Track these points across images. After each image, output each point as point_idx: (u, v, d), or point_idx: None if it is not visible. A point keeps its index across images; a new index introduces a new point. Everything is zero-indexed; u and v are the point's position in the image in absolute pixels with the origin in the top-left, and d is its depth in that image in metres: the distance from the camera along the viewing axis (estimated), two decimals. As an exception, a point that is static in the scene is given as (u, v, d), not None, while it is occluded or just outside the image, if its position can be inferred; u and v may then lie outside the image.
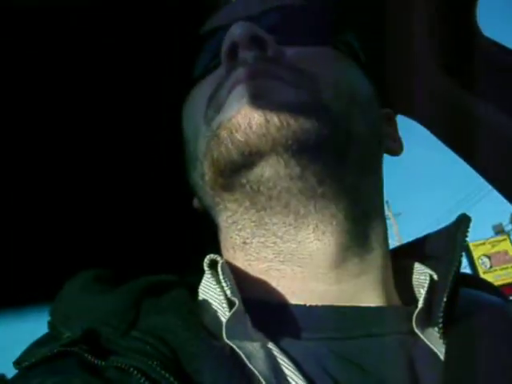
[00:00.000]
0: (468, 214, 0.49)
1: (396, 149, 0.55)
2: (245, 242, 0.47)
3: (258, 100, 0.43)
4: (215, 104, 0.46)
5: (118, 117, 0.75)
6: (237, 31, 0.46)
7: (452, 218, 0.50)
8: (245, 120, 0.42)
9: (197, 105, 0.49)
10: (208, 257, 0.44)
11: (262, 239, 0.46)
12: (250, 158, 0.43)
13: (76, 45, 0.66)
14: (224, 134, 0.43)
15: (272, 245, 0.46)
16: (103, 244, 0.82)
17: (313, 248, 0.44)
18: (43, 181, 0.78)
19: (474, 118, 0.69)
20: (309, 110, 0.43)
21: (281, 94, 0.44)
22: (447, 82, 0.72)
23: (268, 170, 0.43)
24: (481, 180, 0.73)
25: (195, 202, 0.57)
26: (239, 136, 0.42)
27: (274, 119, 0.42)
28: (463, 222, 0.48)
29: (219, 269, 0.42)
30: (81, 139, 0.76)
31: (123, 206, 0.82)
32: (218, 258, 0.44)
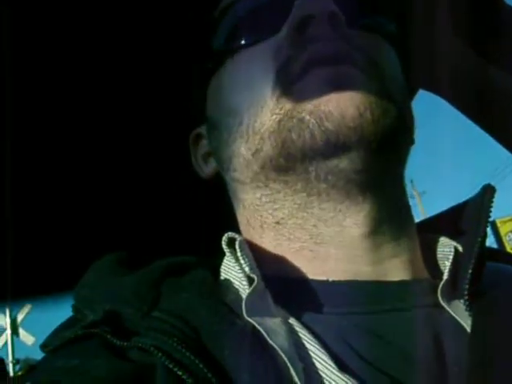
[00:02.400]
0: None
1: (413, 140, 0.54)
2: (278, 222, 0.46)
3: (347, 89, 0.42)
4: (285, 80, 0.44)
5: (130, 91, 0.74)
6: (314, 4, 0.44)
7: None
8: (337, 109, 0.41)
9: (255, 74, 0.46)
10: (226, 235, 0.44)
11: (300, 221, 0.45)
12: (332, 148, 0.41)
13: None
14: (310, 118, 0.42)
15: (311, 227, 0.45)
16: (123, 228, 0.83)
17: (357, 233, 0.44)
18: (63, 166, 0.79)
19: (499, 91, 0.68)
20: (388, 100, 0.43)
21: (364, 82, 0.43)
22: (471, 55, 0.70)
23: (345, 162, 0.42)
24: (507, 155, 0.72)
25: (207, 170, 0.56)
26: (330, 125, 0.41)
27: (367, 114, 0.41)
28: (487, 192, 0.47)
29: (237, 246, 0.42)
30: (97, 121, 0.76)
31: (140, 190, 0.83)
32: (236, 236, 0.43)
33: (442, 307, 0.42)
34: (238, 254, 0.42)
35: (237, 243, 0.42)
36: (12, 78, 0.63)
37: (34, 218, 0.79)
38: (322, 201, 0.44)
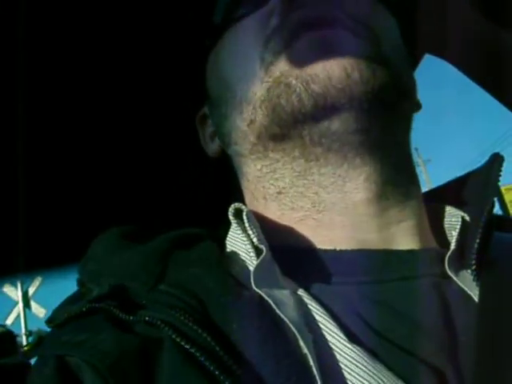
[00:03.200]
0: None
1: (419, 106, 0.53)
2: (280, 192, 0.46)
3: (334, 51, 0.41)
4: (274, 47, 0.44)
5: (135, 76, 0.74)
6: None
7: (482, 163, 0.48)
8: (323, 72, 0.40)
9: (246, 45, 0.46)
10: (232, 206, 0.44)
11: (301, 189, 0.45)
12: (322, 111, 0.41)
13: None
14: (297, 83, 0.41)
15: (312, 195, 0.45)
16: (126, 201, 0.83)
17: (359, 198, 0.44)
18: (71, 142, 0.79)
19: (509, 53, 0.67)
20: (381, 64, 0.42)
21: (355, 45, 0.42)
22: (479, 17, 0.69)
23: (337, 123, 0.41)
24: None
25: (213, 149, 0.56)
26: (317, 88, 0.41)
27: (355, 74, 0.40)
28: (496, 161, 0.46)
29: (244, 217, 0.42)
30: (105, 101, 0.76)
31: (148, 165, 0.83)
32: (243, 207, 0.43)
33: (450, 277, 0.41)
34: (246, 224, 0.42)
35: (244, 214, 0.42)
36: (18, 77, 0.63)
37: (44, 192, 0.80)
38: (320, 166, 0.44)
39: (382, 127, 0.43)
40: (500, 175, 0.45)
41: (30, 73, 0.65)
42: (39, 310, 9.41)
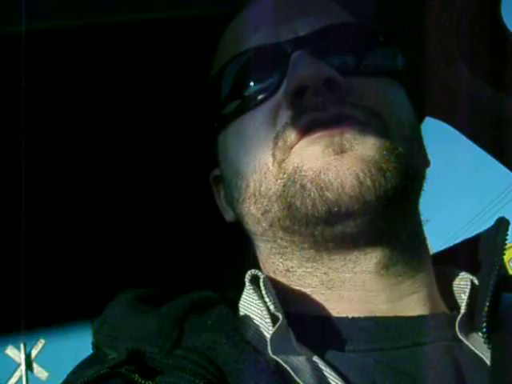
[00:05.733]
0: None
1: (428, 163, 0.53)
2: (288, 270, 0.47)
3: (346, 153, 0.43)
4: (284, 146, 0.45)
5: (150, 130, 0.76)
6: (307, 72, 0.44)
7: (483, 221, 0.49)
8: (337, 180, 0.42)
9: (256, 140, 0.47)
10: (249, 272, 0.45)
11: (310, 269, 0.46)
12: (336, 217, 0.42)
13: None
14: (311, 187, 0.43)
15: (321, 274, 0.46)
16: (140, 264, 0.83)
17: (369, 277, 0.44)
18: (83, 196, 0.80)
19: (504, 116, 0.68)
20: (390, 161, 0.43)
21: (365, 142, 0.43)
22: (476, 81, 0.71)
23: (351, 227, 0.43)
24: (510, 181, 0.72)
25: (228, 216, 0.56)
26: (330, 195, 0.42)
27: (367, 181, 0.42)
28: (502, 225, 0.47)
29: (261, 284, 0.43)
30: (120, 165, 0.77)
31: (158, 228, 0.83)
32: (260, 274, 0.44)
33: (461, 341, 0.42)
34: (263, 291, 0.42)
35: (261, 281, 0.43)
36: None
37: (48, 254, 0.80)
38: (330, 254, 0.45)
39: (392, 219, 0.44)
40: (506, 239, 0.46)
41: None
42: (42, 373, 9.20)
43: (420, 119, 0.80)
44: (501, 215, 0.49)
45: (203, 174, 0.61)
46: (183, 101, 0.69)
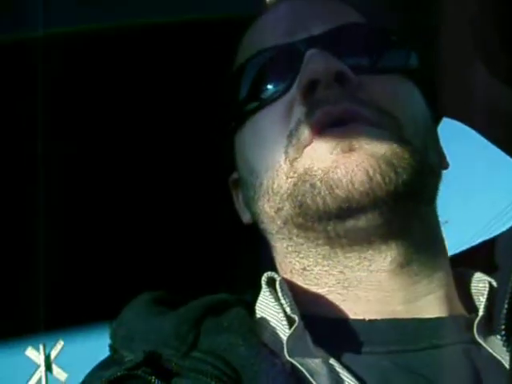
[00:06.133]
0: None
1: (446, 165, 0.53)
2: (305, 269, 0.47)
3: (355, 151, 0.43)
4: (297, 143, 0.45)
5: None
6: (318, 66, 0.45)
7: (501, 223, 0.49)
8: (346, 176, 0.42)
9: (270, 137, 0.48)
10: (266, 274, 0.45)
11: (326, 268, 0.46)
12: (347, 213, 0.43)
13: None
14: (321, 186, 0.43)
15: (337, 273, 0.46)
16: (159, 267, 0.84)
17: (385, 276, 0.44)
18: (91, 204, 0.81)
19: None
20: (402, 157, 0.43)
21: (374, 140, 0.43)
22: (493, 81, 0.70)
23: (362, 221, 0.43)
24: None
25: (246, 218, 0.56)
26: (340, 192, 0.42)
27: (377, 176, 0.42)
28: None
29: (278, 286, 0.43)
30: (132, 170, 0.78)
31: (178, 231, 0.84)
32: (276, 276, 0.44)
33: (479, 343, 0.42)
34: (279, 293, 0.43)
35: (277, 283, 0.43)
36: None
37: (67, 255, 0.81)
38: (345, 251, 0.45)
39: (406, 215, 0.44)
40: None
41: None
42: (61, 374, 9.29)
43: (437, 120, 0.80)
44: None
45: (221, 178, 0.61)
46: (202, 102, 0.69)
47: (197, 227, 0.84)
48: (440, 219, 0.50)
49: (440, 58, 0.73)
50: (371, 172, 0.42)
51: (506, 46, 0.69)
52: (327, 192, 0.42)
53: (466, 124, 0.78)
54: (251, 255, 0.58)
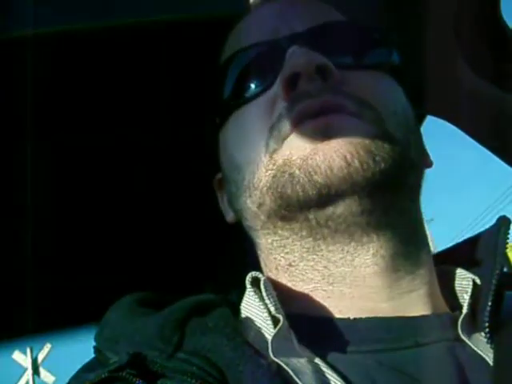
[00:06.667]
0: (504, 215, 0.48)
1: (429, 164, 0.54)
2: (290, 265, 0.47)
3: (334, 138, 0.43)
4: (277, 136, 0.46)
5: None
6: (300, 60, 0.45)
7: (486, 220, 0.49)
8: (324, 162, 0.42)
9: (252, 131, 0.48)
10: (250, 274, 0.45)
11: (311, 263, 0.46)
12: (326, 198, 0.43)
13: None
14: (300, 173, 0.43)
15: (322, 268, 0.46)
16: (145, 268, 0.83)
17: (368, 271, 0.44)
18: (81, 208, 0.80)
19: (506, 113, 0.68)
20: (382, 147, 0.43)
21: (354, 130, 0.43)
22: (477, 79, 0.71)
23: (341, 208, 0.43)
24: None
25: (229, 217, 0.56)
26: (319, 178, 0.42)
27: (355, 162, 0.42)
28: (503, 224, 0.47)
29: (262, 286, 0.43)
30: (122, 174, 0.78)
31: (162, 232, 0.84)
32: (260, 276, 0.44)
33: (464, 341, 0.42)
34: (264, 293, 0.42)
35: (261, 283, 0.43)
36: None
37: (54, 259, 0.80)
38: (328, 244, 0.45)
39: (386, 206, 0.44)
40: (507, 238, 0.46)
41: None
42: (48, 377, 9.24)
43: (420, 118, 0.80)
44: (503, 214, 0.49)
45: (206, 179, 0.61)
46: (187, 102, 0.69)
47: (182, 228, 0.84)
48: (426, 218, 0.50)
49: (424, 56, 0.74)
50: (349, 158, 0.42)
51: (489, 45, 0.70)
52: (306, 179, 0.43)
53: (450, 122, 0.79)
54: (236, 255, 0.58)
